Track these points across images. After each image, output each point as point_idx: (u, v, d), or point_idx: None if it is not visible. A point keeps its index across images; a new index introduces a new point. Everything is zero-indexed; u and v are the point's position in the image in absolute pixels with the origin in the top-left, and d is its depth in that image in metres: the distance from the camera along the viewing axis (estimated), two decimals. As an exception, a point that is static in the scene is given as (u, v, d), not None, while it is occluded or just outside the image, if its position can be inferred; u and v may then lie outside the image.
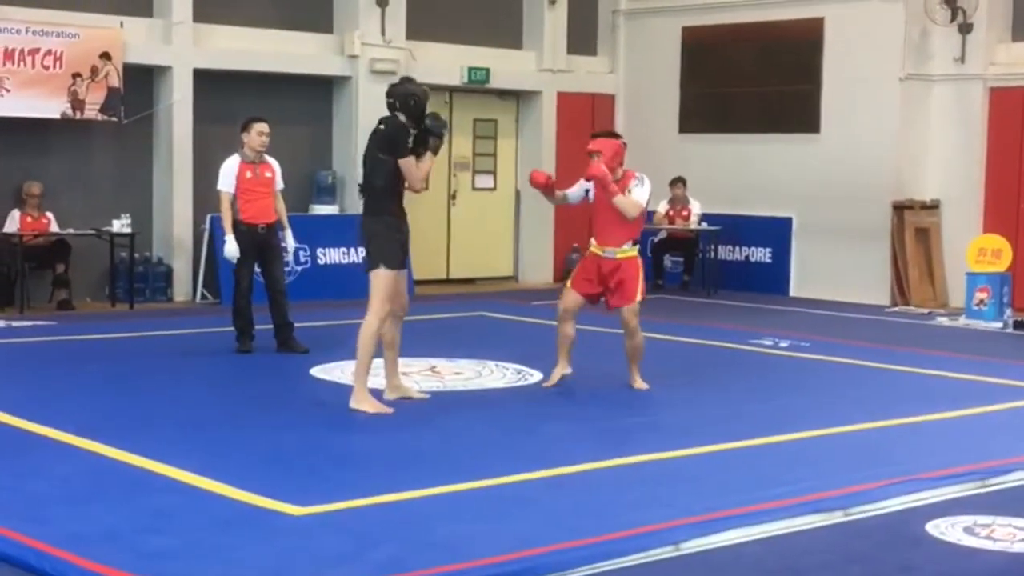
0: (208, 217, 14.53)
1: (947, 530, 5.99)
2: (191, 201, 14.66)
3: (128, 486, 6.51)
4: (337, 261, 15.28)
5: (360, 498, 6.23)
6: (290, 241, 11.11)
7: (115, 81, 14.05)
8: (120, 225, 13.89)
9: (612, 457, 7.20)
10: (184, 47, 14.60)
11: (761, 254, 16.62)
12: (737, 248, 16.75)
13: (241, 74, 15.07)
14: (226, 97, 15.02)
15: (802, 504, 6.28)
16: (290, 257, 11.46)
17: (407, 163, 8.34)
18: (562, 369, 9.36)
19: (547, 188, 9.27)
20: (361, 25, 15.64)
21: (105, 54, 13.96)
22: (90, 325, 12.41)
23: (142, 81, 14.53)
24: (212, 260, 14.50)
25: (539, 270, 17.64)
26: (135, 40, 14.31)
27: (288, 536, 5.70)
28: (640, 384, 9.32)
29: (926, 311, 14.84)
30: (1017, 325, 13.54)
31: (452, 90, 17.04)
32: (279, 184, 10.92)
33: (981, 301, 13.92)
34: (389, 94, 8.56)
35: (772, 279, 16.33)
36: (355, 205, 15.65)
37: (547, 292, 16.38)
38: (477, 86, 16.95)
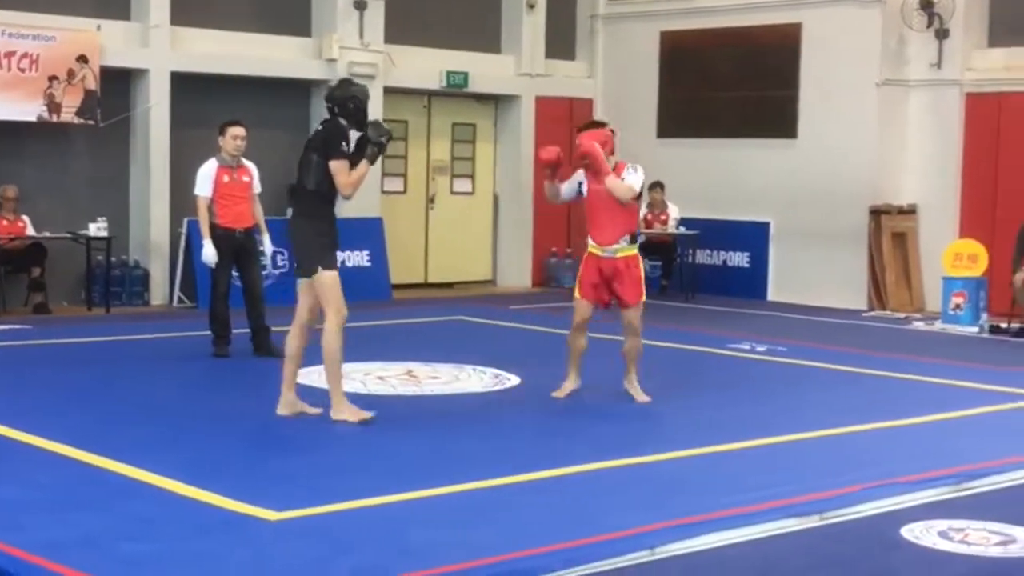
0: (185, 221, 14.49)
1: (922, 534, 6.02)
2: (168, 205, 14.61)
3: (105, 492, 6.48)
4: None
5: (336, 503, 6.22)
6: (267, 245, 11.08)
7: (92, 84, 14.01)
8: (97, 228, 13.84)
9: (588, 462, 7.20)
10: (161, 50, 14.56)
11: (739, 258, 16.67)
12: (715, 252, 16.80)
13: (219, 77, 15.04)
14: (204, 101, 14.98)
15: (778, 508, 6.29)
16: (267, 261, 11.43)
17: (337, 166, 8.10)
18: (572, 383, 9.18)
19: (556, 165, 8.98)
20: (339, 29, 15.62)
21: (82, 57, 13.91)
22: (66, 329, 12.36)
23: (119, 84, 14.49)
24: (189, 264, 14.46)
25: (517, 274, 17.64)
26: (112, 43, 14.27)
27: (264, 541, 5.69)
28: (641, 396, 9.08)
29: (903, 315, 14.90)
30: (993, 330, 13.61)
31: (431, 94, 17.05)
32: (256, 188, 10.89)
33: (957, 306, 13.98)
34: (327, 98, 8.38)
35: (750, 283, 16.38)
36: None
37: (525, 296, 16.43)
38: (455, 90, 16.95)
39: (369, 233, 15.55)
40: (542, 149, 9.23)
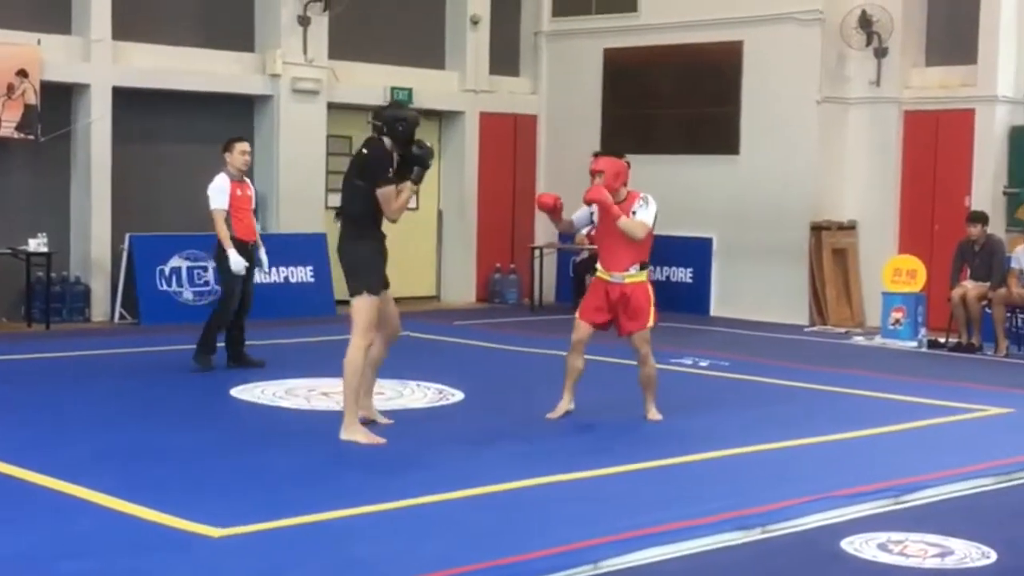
0: (127, 236, 14.39)
1: (862, 547, 6.08)
2: (109, 220, 14.49)
3: (41, 509, 6.42)
4: (258, 280, 15.08)
5: (279, 519, 6.19)
6: (263, 257, 11.21)
7: (32, 99, 13.88)
8: (37, 244, 13.71)
9: (531, 477, 7.21)
10: (103, 65, 14.45)
11: (682, 274, 16.76)
12: (658, 268, 16.84)
13: (161, 93, 14.95)
14: (146, 116, 14.91)
15: (720, 522, 6.34)
16: (266, 270, 11.61)
17: (385, 193, 8.06)
18: (566, 404, 9.11)
19: (554, 211, 9.01)
20: (283, 44, 15.58)
21: (22, 71, 13.78)
22: (5, 345, 12.22)
23: (60, 99, 14.36)
24: (131, 280, 14.35)
25: (461, 290, 17.65)
26: (53, 57, 14.15)
27: (206, 558, 5.65)
28: (654, 415, 9.09)
29: (843, 331, 15.05)
30: (931, 344, 13.78)
31: (375, 110, 16.99)
32: (254, 202, 11.14)
33: (897, 321, 14.14)
34: (376, 116, 8.33)
35: (693, 299, 16.47)
36: (276, 223, 15.59)
37: (469, 312, 16.44)
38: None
39: (313, 248, 15.51)
40: (541, 196, 9.29)
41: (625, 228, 8.80)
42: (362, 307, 8.13)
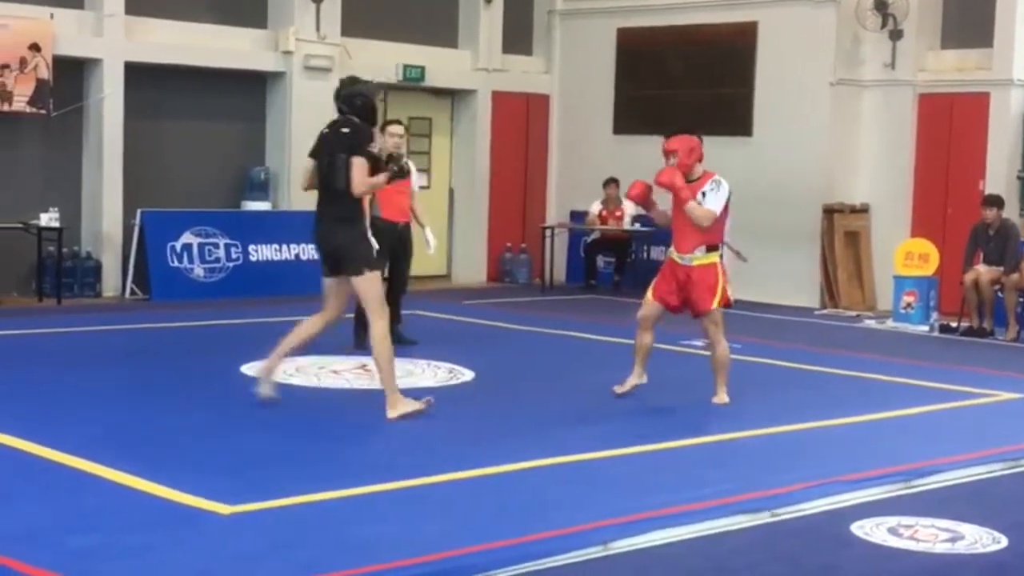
0: (138, 212, 14.39)
1: (872, 531, 6.07)
2: (121, 195, 14.49)
3: (52, 484, 6.43)
4: (269, 258, 15.17)
5: (288, 497, 6.19)
6: (430, 237, 11.25)
7: (44, 73, 13.87)
8: (48, 219, 13.71)
9: (540, 457, 7.20)
10: (115, 40, 14.43)
11: (693, 256, 16.68)
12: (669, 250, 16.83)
13: (173, 68, 14.92)
14: (158, 91, 14.88)
15: (729, 504, 6.33)
16: (431, 251, 11.49)
17: (359, 163, 8.06)
18: (637, 378, 9.09)
19: (646, 202, 9.00)
20: (296, 21, 15.55)
21: (34, 45, 13.77)
22: (16, 321, 12.24)
23: (72, 74, 14.34)
24: (142, 255, 14.36)
25: (472, 269, 17.63)
26: (65, 32, 14.13)
27: (214, 536, 5.66)
28: (721, 397, 9.02)
29: (854, 314, 15.01)
30: (943, 328, 13.74)
31: (387, 88, 16.99)
32: (415, 185, 11.16)
33: (908, 304, 14.10)
34: (335, 97, 8.39)
35: (704, 280, 16.39)
36: (287, 201, 15.59)
37: (480, 291, 16.43)
38: (412, 84, 16.91)
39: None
40: (629, 190, 9.21)
41: (691, 214, 8.75)
42: (368, 286, 8.15)
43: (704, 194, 8.82)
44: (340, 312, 8.46)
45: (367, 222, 8.38)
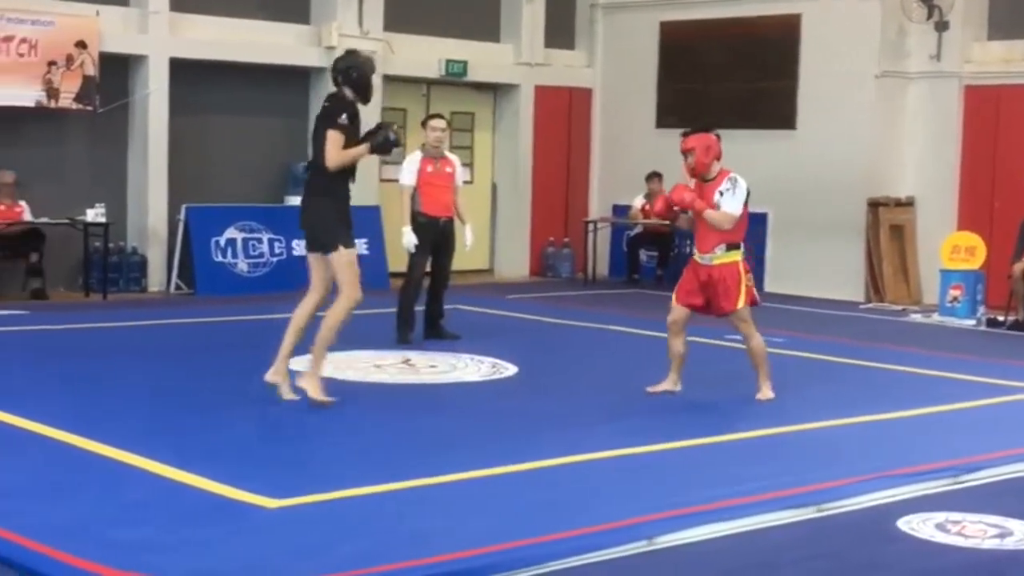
0: (183, 207, 14.49)
1: (919, 526, 6.02)
2: (166, 191, 14.60)
3: (101, 478, 6.47)
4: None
5: (335, 491, 6.21)
6: (469, 235, 11.24)
7: (90, 70, 13.98)
8: (94, 214, 13.82)
9: (584, 452, 7.19)
10: (160, 36, 14.53)
11: (736, 249, 16.62)
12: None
13: (218, 64, 15.01)
14: (202, 87, 14.97)
15: (775, 500, 6.29)
16: (466, 247, 11.43)
17: (331, 135, 8.04)
18: (671, 385, 9.03)
19: (670, 214, 9.05)
20: (339, 16, 15.59)
21: (81, 43, 13.88)
22: (63, 315, 12.35)
23: (118, 70, 14.46)
24: (187, 250, 14.45)
25: (515, 264, 17.64)
26: (111, 29, 14.24)
27: (262, 529, 5.68)
28: (765, 393, 8.97)
29: (900, 308, 14.90)
30: (990, 323, 13.62)
31: (429, 83, 17.03)
32: (459, 180, 11.22)
33: (955, 298, 13.98)
34: (332, 68, 8.45)
35: (747, 274, 16.33)
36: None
37: (523, 286, 16.44)
38: (455, 79, 16.92)
39: (367, 221, 15.46)
40: (655, 200, 9.25)
41: (712, 221, 8.72)
42: (343, 262, 8.12)
43: (721, 194, 8.75)
44: (327, 288, 8.35)
45: (347, 200, 8.27)
